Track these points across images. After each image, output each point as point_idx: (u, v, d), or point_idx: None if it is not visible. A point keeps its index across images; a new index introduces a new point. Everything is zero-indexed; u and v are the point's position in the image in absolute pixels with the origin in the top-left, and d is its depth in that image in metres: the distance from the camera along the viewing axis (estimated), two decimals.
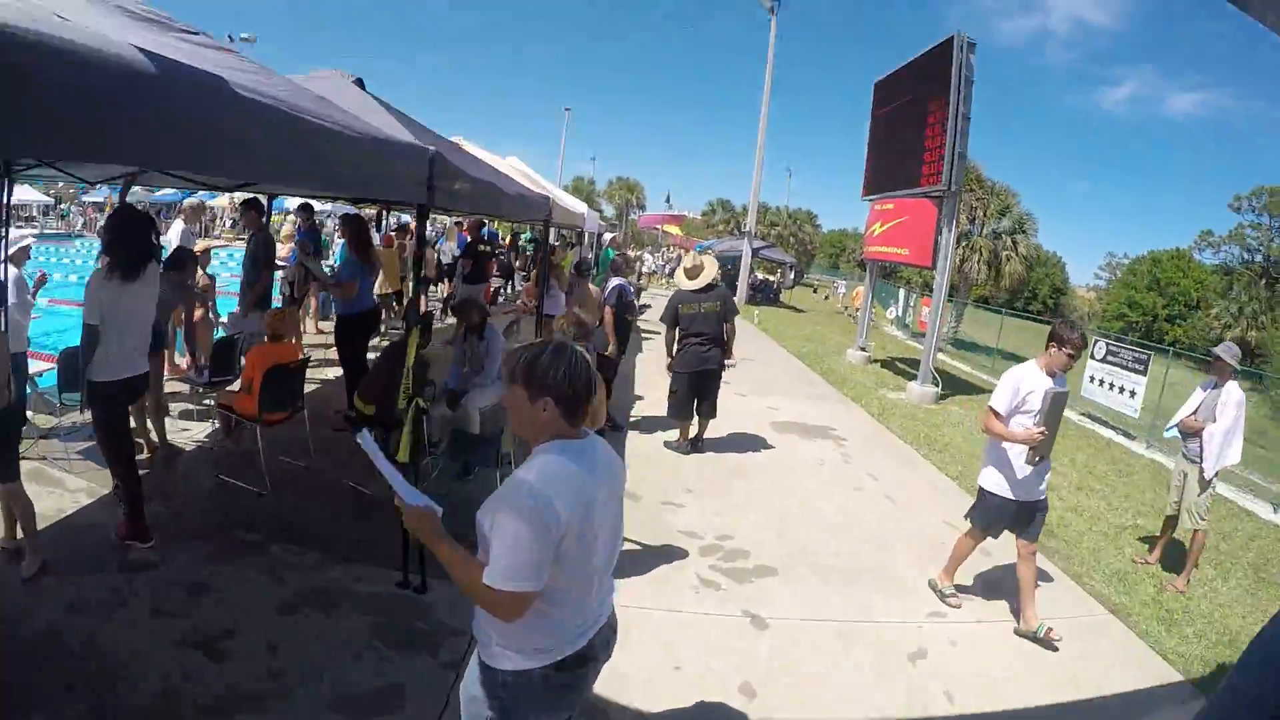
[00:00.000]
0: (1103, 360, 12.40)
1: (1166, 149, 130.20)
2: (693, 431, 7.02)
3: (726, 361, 6.82)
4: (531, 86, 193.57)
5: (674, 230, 34.72)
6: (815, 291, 44.21)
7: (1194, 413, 5.48)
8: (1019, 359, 20.62)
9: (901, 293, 27.47)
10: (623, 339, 7.14)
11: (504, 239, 20.79)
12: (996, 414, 4.19)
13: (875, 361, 15.09)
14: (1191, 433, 5.46)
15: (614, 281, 7.07)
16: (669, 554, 4.86)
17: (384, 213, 12.86)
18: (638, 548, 4.87)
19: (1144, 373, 11.42)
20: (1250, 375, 11.82)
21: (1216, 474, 5.36)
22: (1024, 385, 4.12)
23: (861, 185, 14.99)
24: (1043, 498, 4.32)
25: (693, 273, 6.71)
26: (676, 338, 6.78)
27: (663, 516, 5.48)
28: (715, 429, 7.41)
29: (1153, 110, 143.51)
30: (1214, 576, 5.76)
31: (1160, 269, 50.55)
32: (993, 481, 4.31)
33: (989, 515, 4.38)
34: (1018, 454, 4.14)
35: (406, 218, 19.60)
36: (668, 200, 53.78)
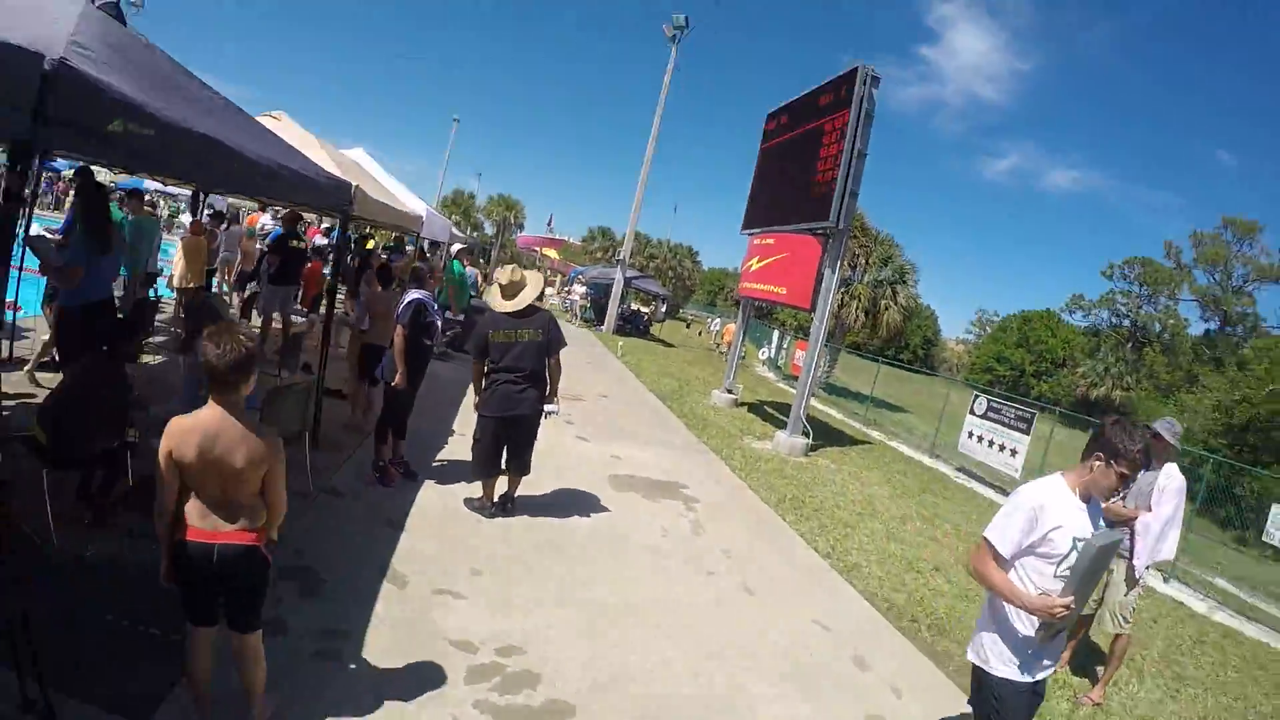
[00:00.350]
0: (983, 417, 12.01)
1: (1042, 218, 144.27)
2: (501, 489, 5.52)
3: (547, 407, 5.36)
4: (423, 97, 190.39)
5: (552, 254, 33.92)
6: (688, 326, 43.76)
7: (1122, 497, 4.52)
8: (892, 408, 20.72)
9: (776, 334, 27.22)
10: (418, 367, 5.57)
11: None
12: (996, 554, 2.72)
13: (742, 405, 14.11)
14: (1120, 521, 4.48)
15: (411, 295, 5.46)
16: (420, 678, 3.33)
17: (198, 194, 10.79)
18: (376, 670, 3.33)
19: (1027, 431, 11.10)
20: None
21: (1148, 569, 4.50)
22: (1046, 515, 2.65)
23: (742, 219, 14.18)
24: (1050, 673, 2.91)
25: (510, 290, 5.19)
26: (485, 371, 5.29)
27: (430, 613, 3.93)
28: (538, 483, 5.97)
29: (1032, 182, 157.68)
30: (1129, 677, 5.09)
31: (1030, 327, 53.47)
32: (999, 660, 2.78)
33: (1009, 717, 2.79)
34: (1025, 620, 2.73)
35: (251, 205, 16.93)
36: (549, 223, 52.72)
